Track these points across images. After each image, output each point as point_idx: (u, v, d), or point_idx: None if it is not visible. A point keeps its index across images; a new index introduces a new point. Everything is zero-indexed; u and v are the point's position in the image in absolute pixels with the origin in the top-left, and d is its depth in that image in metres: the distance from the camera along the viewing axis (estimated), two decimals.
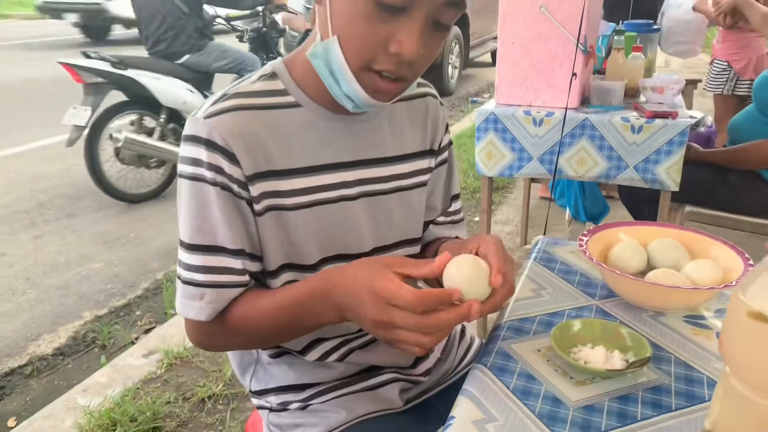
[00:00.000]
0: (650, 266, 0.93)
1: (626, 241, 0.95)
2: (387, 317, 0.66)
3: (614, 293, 0.91)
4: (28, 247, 3.28)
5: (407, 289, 0.65)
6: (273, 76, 0.84)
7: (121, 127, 3.73)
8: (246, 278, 0.83)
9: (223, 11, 4.24)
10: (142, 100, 3.74)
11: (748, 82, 3.36)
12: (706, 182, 2.21)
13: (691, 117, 3.02)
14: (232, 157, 0.77)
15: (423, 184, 0.97)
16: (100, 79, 3.59)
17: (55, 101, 6.99)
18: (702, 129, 3.07)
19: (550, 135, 2.05)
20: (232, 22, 4.29)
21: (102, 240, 3.37)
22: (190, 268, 0.80)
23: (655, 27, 2.78)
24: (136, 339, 2.41)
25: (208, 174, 0.77)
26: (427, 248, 1.02)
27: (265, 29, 4.35)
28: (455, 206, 1.06)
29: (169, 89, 3.72)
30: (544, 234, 2.23)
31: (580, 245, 0.92)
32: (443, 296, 0.66)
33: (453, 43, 7.12)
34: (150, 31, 3.82)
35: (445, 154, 1.02)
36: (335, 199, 0.86)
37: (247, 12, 4.22)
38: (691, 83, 3.74)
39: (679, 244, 0.94)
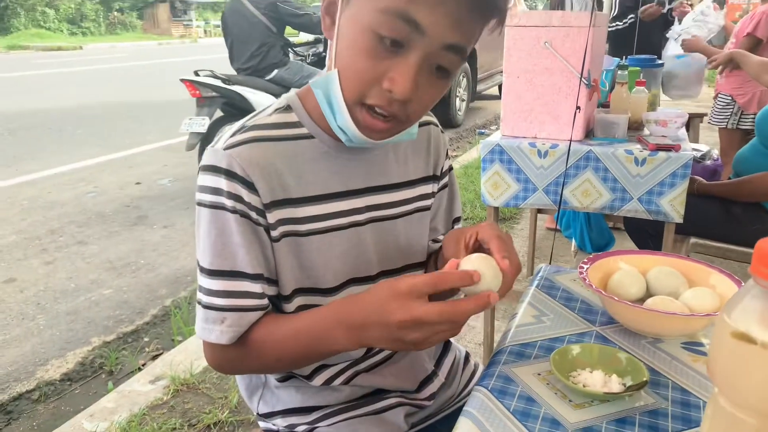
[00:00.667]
0: (649, 294, 0.95)
1: (625, 269, 0.97)
2: (414, 313, 0.67)
3: (614, 320, 0.93)
4: (39, 272, 3.33)
5: (425, 276, 0.69)
6: (288, 108, 0.88)
7: None
8: (265, 302, 0.85)
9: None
10: (239, 113, 4.14)
11: (752, 115, 3.40)
12: (711, 214, 2.22)
13: (697, 150, 3.05)
14: (251, 186, 0.81)
15: (427, 208, 1.01)
16: (213, 94, 4.29)
17: (66, 131, 7.13)
18: (708, 162, 3.09)
19: (555, 166, 2.08)
20: (295, 49, 4.84)
21: (112, 266, 3.40)
22: (210, 293, 0.83)
23: (659, 62, 2.83)
24: (143, 365, 2.43)
25: (228, 202, 0.80)
26: (430, 258, 1.06)
27: (324, 53, 4.69)
28: (458, 227, 1.10)
29: (264, 102, 4.11)
30: (550, 264, 2.24)
31: (581, 273, 0.94)
32: (464, 276, 0.69)
33: (461, 77, 7.21)
34: (243, 49, 4.41)
35: (446, 179, 1.06)
36: (346, 225, 0.89)
37: (311, 39, 4.76)
38: (697, 117, 3.78)
39: (678, 272, 0.96)
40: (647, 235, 2.34)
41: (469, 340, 2.52)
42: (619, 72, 2.27)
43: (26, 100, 9.52)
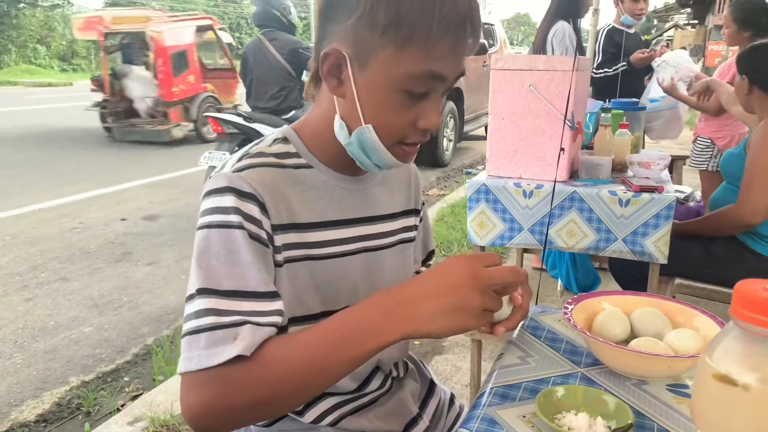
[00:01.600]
0: (633, 335, 0.95)
1: (610, 310, 0.97)
2: (486, 273, 0.71)
3: (599, 361, 0.93)
4: (19, 310, 3.26)
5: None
6: (285, 140, 0.91)
7: None
8: (280, 319, 0.80)
9: None
10: None
11: None
12: (693, 255, 2.24)
13: (680, 192, 3.09)
14: (262, 206, 0.82)
15: (410, 240, 1.06)
16: (235, 130, 4.44)
17: (47, 166, 7.11)
18: (692, 204, 3.14)
19: (540, 207, 2.10)
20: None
21: (94, 304, 3.35)
22: (218, 312, 0.76)
23: (641, 105, 2.89)
24: (122, 406, 2.37)
25: (237, 219, 0.79)
26: None
27: None
28: (431, 261, 1.18)
29: None
30: (536, 304, 2.24)
31: (565, 314, 0.94)
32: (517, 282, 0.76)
33: (448, 117, 7.32)
34: (263, 90, 4.56)
35: (422, 213, 1.13)
36: (341, 254, 0.92)
37: None
38: (680, 159, 3.85)
39: (661, 314, 0.96)
40: (633, 278, 2.35)
41: (456, 381, 2.49)
42: (603, 115, 2.31)
43: (14, 134, 9.51)
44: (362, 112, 0.82)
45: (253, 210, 0.81)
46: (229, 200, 0.80)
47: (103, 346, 2.88)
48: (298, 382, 0.75)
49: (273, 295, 0.81)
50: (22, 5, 30.77)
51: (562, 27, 3.36)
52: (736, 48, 3.50)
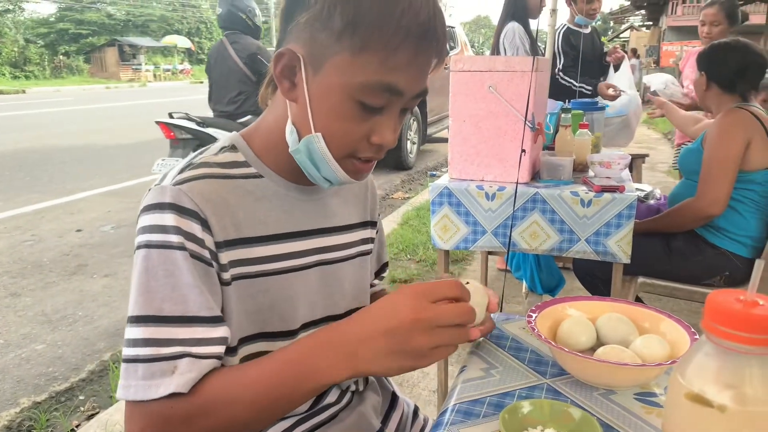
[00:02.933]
0: (599, 342, 0.92)
1: (575, 317, 0.94)
2: (431, 313, 0.67)
3: (565, 371, 0.90)
4: None
5: (445, 282, 0.71)
6: (233, 148, 0.86)
7: None
8: (222, 349, 0.76)
9: None
10: None
11: None
12: (655, 252, 2.26)
13: (641, 190, 3.12)
14: (204, 223, 0.77)
15: (368, 252, 1.03)
16: (188, 135, 4.33)
17: (3, 177, 6.85)
18: (652, 201, 3.16)
19: (503, 209, 2.07)
20: None
21: (47, 320, 3.21)
22: (157, 342, 0.72)
23: (601, 105, 2.90)
24: (77, 426, 2.26)
25: (177, 239, 0.74)
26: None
27: None
28: (384, 273, 1.16)
29: None
30: (501, 306, 2.22)
31: (529, 322, 0.91)
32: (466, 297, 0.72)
33: (411, 120, 7.31)
34: (221, 94, 4.47)
35: (378, 225, 1.10)
36: (297, 268, 0.87)
37: None
38: (639, 157, 3.89)
39: (627, 319, 0.93)
40: (597, 279, 2.35)
41: (423, 387, 2.45)
42: (563, 115, 2.31)
43: None
44: (313, 118, 0.78)
45: (194, 228, 0.76)
46: (169, 218, 0.75)
47: (57, 364, 2.76)
48: (243, 419, 0.73)
49: (216, 320, 0.76)
50: None
51: (512, 28, 3.37)
52: (688, 48, 3.56)
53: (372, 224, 1.05)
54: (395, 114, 0.79)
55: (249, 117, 4.44)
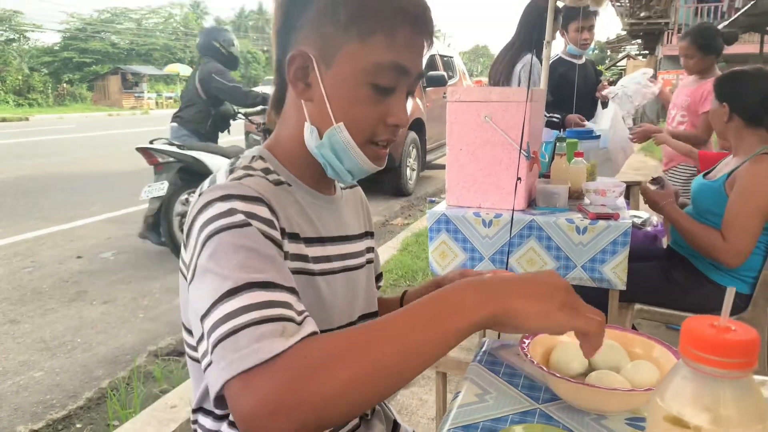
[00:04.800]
0: (591, 368, 0.93)
1: (567, 343, 0.96)
2: (573, 297, 0.71)
3: (557, 396, 0.91)
4: None
5: None
6: (262, 159, 0.90)
7: (185, 202, 4.47)
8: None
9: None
10: (198, 178, 4.30)
11: None
12: (653, 281, 2.27)
13: (637, 217, 3.14)
14: (270, 208, 0.79)
15: (373, 261, 1.10)
16: (171, 159, 4.39)
17: (4, 204, 6.89)
18: (649, 228, 3.19)
19: (500, 236, 2.10)
20: (249, 117, 5.05)
21: (45, 346, 3.21)
22: (252, 308, 0.65)
23: (596, 134, 2.95)
24: None
25: (246, 219, 0.74)
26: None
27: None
28: (380, 283, 1.20)
29: (221, 165, 4.28)
30: (499, 335, 2.22)
31: (522, 348, 0.92)
32: None
33: (411, 147, 7.38)
34: (183, 112, 4.73)
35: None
36: (330, 271, 0.91)
37: (258, 109, 4.99)
38: (636, 184, 3.92)
39: (619, 346, 0.95)
40: (594, 305, 2.34)
41: (422, 414, 2.45)
42: (558, 144, 2.35)
43: None
44: (332, 110, 0.84)
45: (262, 211, 0.77)
46: (233, 204, 0.75)
47: (54, 392, 2.75)
48: (388, 363, 0.63)
49: (295, 293, 0.73)
50: None
51: (529, 60, 3.36)
52: (684, 75, 3.59)
53: (371, 234, 1.12)
54: (403, 95, 0.87)
55: (175, 124, 4.69)
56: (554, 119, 3.56)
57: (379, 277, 1.19)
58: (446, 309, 0.66)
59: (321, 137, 0.86)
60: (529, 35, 3.38)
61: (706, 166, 3.16)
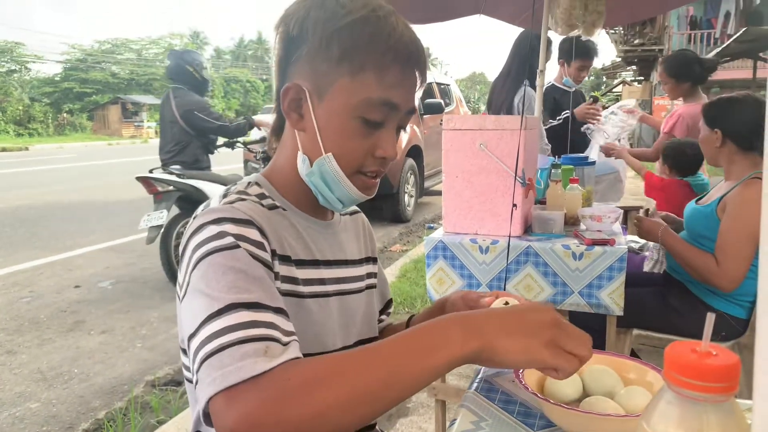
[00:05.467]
0: (586, 393, 0.94)
1: None
2: (559, 333, 0.68)
3: (553, 423, 0.91)
4: None
5: None
6: (258, 185, 0.93)
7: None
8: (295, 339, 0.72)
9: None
10: (197, 206, 4.30)
11: None
12: (649, 305, 2.27)
13: (635, 242, 3.16)
14: (260, 230, 0.81)
15: (374, 286, 1.11)
16: (170, 188, 4.41)
17: (3, 233, 6.89)
18: (647, 253, 3.20)
19: (497, 262, 2.11)
20: (248, 146, 5.07)
21: (42, 377, 3.19)
22: (237, 327, 0.67)
23: (591, 160, 2.97)
24: None
25: (236, 242, 0.76)
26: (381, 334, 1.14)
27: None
28: (390, 309, 1.22)
29: (219, 192, 4.37)
30: None
31: (516, 375, 0.93)
32: None
33: (409, 173, 7.42)
34: (162, 143, 4.68)
35: (377, 262, 1.16)
36: (322, 294, 0.93)
37: (259, 136, 5.12)
38: (634, 209, 3.94)
39: (612, 371, 0.96)
40: (592, 331, 2.34)
41: None
42: (553, 170, 2.37)
43: None
44: (322, 141, 0.87)
45: (252, 233, 0.80)
46: (224, 227, 0.78)
47: (51, 423, 2.73)
48: (367, 389, 0.64)
49: (283, 313, 0.74)
50: None
51: (529, 93, 3.42)
52: (680, 101, 3.68)
53: (373, 260, 1.13)
54: (393, 129, 0.89)
55: (178, 167, 4.59)
56: (562, 118, 3.66)
57: (389, 303, 1.21)
58: (431, 343, 0.66)
59: (312, 166, 0.89)
60: (523, 65, 3.46)
61: (649, 187, 3.37)
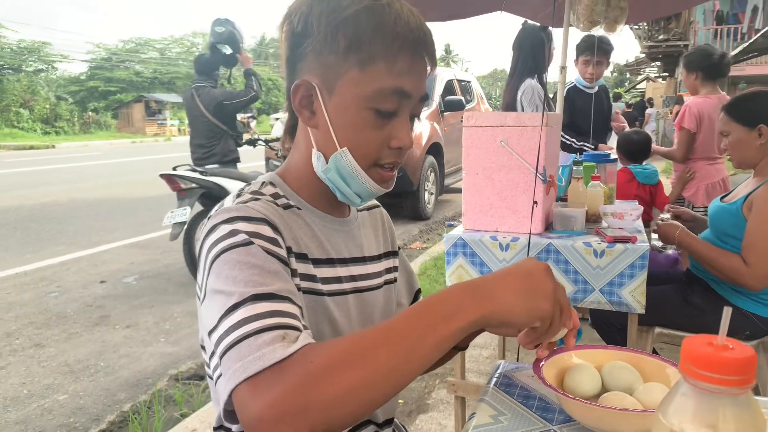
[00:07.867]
0: (605, 389, 0.94)
1: (580, 365, 0.97)
2: (562, 294, 0.76)
3: (571, 417, 0.92)
4: None
5: None
6: (272, 184, 0.93)
7: None
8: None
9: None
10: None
11: (702, 209, 3.52)
12: (671, 303, 2.25)
13: (658, 240, 3.13)
14: (274, 227, 0.82)
15: (393, 281, 1.09)
16: (193, 185, 4.49)
17: (31, 229, 7.04)
18: (670, 251, 3.17)
19: (517, 259, 2.11)
20: (269, 144, 5.19)
21: (69, 370, 3.27)
22: (258, 316, 0.68)
23: (613, 158, 2.95)
24: None
25: (249, 238, 0.77)
26: None
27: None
28: (420, 300, 1.17)
29: None
30: (518, 358, 2.22)
31: (536, 370, 0.93)
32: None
33: (429, 171, 7.42)
34: (194, 141, 4.82)
35: (401, 255, 1.15)
36: (338, 292, 0.93)
37: (279, 136, 5.05)
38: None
39: (631, 367, 0.96)
40: (614, 329, 2.34)
41: None
42: (575, 167, 2.36)
43: None
44: (336, 136, 0.86)
45: (265, 230, 0.80)
46: (236, 225, 0.78)
47: (78, 415, 2.79)
48: (388, 366, 0.65)
49: (298, 306, 0.75)
50: (5, 70, 31.17)
51: (530, 85, 3.42)
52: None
53: (394, 254, 1.12)
54: (406, 118, 0.88)
55: (216, 166, 4.68)
56: (586, 148, 3.62)
57: (417, 294, 1.19)
58: (444, 312, 0.69)
59: (327, 162, 0.88)
60: (526, 60, 3.46)
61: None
